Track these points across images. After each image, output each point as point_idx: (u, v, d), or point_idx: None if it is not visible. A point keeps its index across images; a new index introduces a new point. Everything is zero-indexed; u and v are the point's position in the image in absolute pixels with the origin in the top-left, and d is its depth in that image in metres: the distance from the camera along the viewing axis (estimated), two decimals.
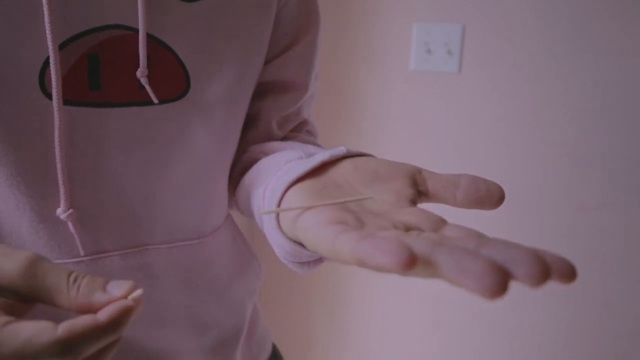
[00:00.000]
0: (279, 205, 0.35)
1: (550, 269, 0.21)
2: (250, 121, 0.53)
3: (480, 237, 0.25)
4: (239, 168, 0.51)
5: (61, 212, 0.40)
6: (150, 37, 0.40)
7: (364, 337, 1.39)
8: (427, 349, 1.34)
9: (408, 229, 0.29)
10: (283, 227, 0.35)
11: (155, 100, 0.41)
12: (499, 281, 0.20)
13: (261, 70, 0.51)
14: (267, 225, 0.37)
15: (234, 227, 0.55)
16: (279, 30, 0.52)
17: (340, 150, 0.37)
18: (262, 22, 0.48)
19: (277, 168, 0.42)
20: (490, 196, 0.31)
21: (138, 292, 0.28)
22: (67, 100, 0.38)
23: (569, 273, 0.22)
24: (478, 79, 1.17)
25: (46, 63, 0.37)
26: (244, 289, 0.56)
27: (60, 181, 0.39)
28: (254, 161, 0.49)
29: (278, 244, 0.37)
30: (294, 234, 0.33)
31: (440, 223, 0.29)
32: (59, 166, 0.38)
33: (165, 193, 0.45)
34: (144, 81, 0.40)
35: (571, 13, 1.09)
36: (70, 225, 0.40)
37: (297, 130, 0.57)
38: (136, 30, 0.40)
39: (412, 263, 0.21)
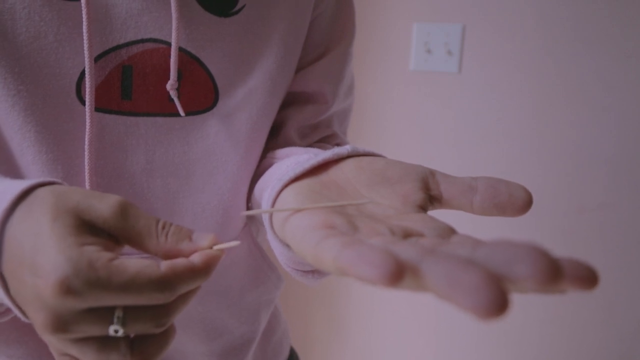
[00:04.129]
0: (273, 205, 0.33)
1: (560, 267, 0.18)
2: (272, 130, 0.52)
3: (485, 243, 0.22)
4: (255, 175, 0.50)
5: None
6: (182, 51, 0.41)
7: (364, 338, 1.39)
8: (428, 348, 1.33)
9: (408, 235, 0.26)
10: (276, 230, 0.33)
11: (182, 114, 0.42)
12: (496, 297, 0.17)
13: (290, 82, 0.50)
14: (266, 228, 0.36)
15: (251, 238, 0.54)
16: (310, 41, 0.50)
17: (345, 148, 0.35)
18: (295, 35, 0.47)
19: (283, 170, 0.41)
20: (512, 201, 0.28)
21: (234, 243, 0.30)
22: (99, 108, 0.40)
23: (588, 277, 0.18)
24: (478, 79, 1.17)
25: (84, 72, 0.39)
26: (258, 300, 0.55)
27: (87, 184, 0.40)
28: (268, 167, 0.48)
29: (275, 248, 0.36)
30: (284, 238, 0.31)
31: (447, 232, 0.26)
32: (87, 170, 0.40)
33: (185, 201, 0.46)
34: (173, 94, 0.41)
35: (571, 13, 1.09)
36: None
37: (325, 142, 0.55)
38: (169, 44, 0.41)
39: (397, 276, 0.18)
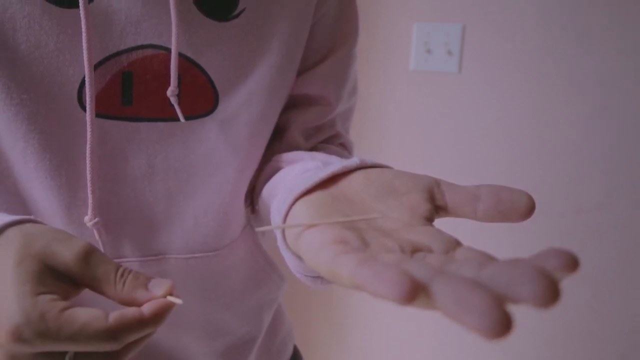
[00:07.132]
0: (285, 218, 0.34)
1: (559, 287, 0.19)
2: (275, 132, 0.52)
3: (491, 260, 0.23)
4: (262, 178, 0.50)
5: (88, 219, 0.42)
6: (182, 56, 0.42)
7: (366, 338, 1.39)
8: (429, 349, 1.34)
9: (416, 250, 0.27)
10: (289, 242, 0.34)
11: (182, 119, 0.43)
12: (501, 319, 0.17)
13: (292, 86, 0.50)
14: (278, 239, 0.37)
15: (252, 239, 0.54)
16: (313, 43, 0.50)
17: (354, 161, 0.35)
18: (296, 38, 0.47)
19: (292, 179, 0.41)
20: (515, 208, 0.29)
21: (178, 301, 0.32)
22: (100, 114, 0.41)
23: (569, 263, 0.20)
24: (478, 79, 1.17)
25: (84, 79, 0.39)
26: (261, 300, 0.55)
27: (89, 190, 0.41)
28: (275, 171, 0.48)
29: (286, 257, 0.36)
30: (298, 251, 0.32)
31: (453, 244, 0.27)
32: (88, 176, 0.40)
33: (185, 205, 0.46)
34: (173, 100, 0.42)
35: (571, 13, 1.09)
36: (95, 232, 0.42)
37: (329, 142, 0.55)
38: (168, 50, 0.41)
39: (413, 295, 0.19)
